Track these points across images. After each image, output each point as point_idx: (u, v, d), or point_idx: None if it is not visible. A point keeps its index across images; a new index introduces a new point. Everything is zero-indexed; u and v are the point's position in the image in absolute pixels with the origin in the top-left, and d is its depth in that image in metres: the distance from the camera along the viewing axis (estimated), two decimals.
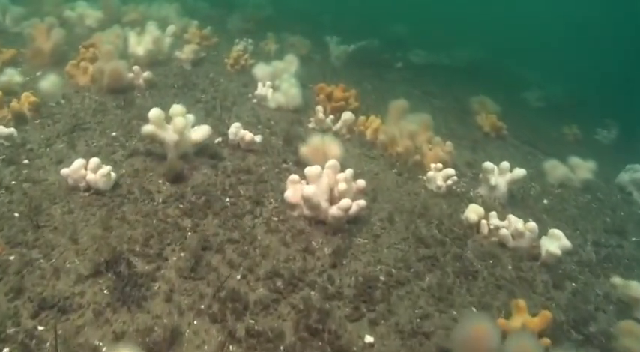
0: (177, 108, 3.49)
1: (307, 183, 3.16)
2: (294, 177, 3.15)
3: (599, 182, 5.75)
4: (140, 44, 5.70)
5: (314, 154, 3.65)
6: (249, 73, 6.03)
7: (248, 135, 3.77)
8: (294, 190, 3.13)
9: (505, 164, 4.38)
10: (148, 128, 3.32)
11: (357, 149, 4.53)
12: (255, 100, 5.09)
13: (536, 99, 9.17)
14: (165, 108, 4.45)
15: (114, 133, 3.84)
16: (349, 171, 3.20)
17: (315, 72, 7.24)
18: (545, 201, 4.81)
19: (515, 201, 4.53)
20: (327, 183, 3.13)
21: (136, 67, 4.88)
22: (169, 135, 3.40)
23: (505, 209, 4.32)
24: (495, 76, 10.95)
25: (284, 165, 3.79)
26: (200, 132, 3.53)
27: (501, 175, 4.40)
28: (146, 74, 4.89)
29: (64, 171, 2.97)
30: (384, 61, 9.04)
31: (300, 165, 3.78)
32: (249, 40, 7.53)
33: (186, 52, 5.92)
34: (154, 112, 3.34)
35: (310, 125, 4.73)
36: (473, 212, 3.71)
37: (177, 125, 3.36)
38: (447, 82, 8.91)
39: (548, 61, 13.84)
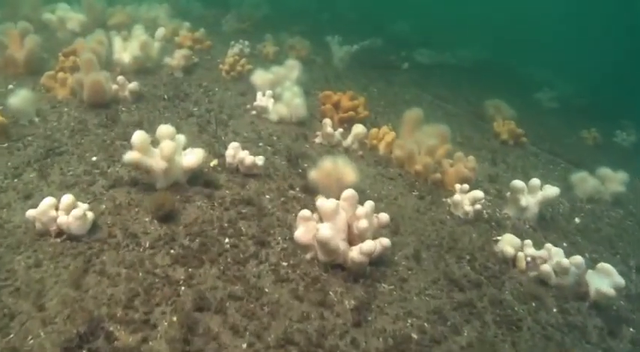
0: (164, 130, 2.99)
1: (321, 220, 2.69)
2: (305, 213, 2.67)
3: (629, 193, 5.32)
4: (126, 50, 5.19)
5: (325, 180, 3.16)
6: (246, 80, 5.52)
7: (248, 158, 3.28)
8: (306, 229, 2.65)
9: (535, 182, 3.93)
10: (131, 155, 2.82)
11: (372, 168, 4.05)
12: (254, 112, 4.60)
13: (549, 100, 8.72)
14: (154, 124, 3.96)
15: (94, 158, 3.33)
16: (370, 205, 2.73)
17: (317, 76, 6.75)
18: (576, 220, 4.37)
19: (546, 221, 4.08)
20: (345, 220, 2.66)
21: (120, 78, 4.37)
22: (157, 162, 2.90)
23: (537, 232, 3.88)
24: (504, 76, 10.52)
25: (291, 193, 3.31)
26: (193, 158, 3.03)
27: (532, 194, 3.95)
28: (132, 85, 4.38)
29: (30, 213, 2.47)
30: (390, 62, 8.55)
31: (309, 191, 3.31)
32: (246, 42, 7.01)
33: (177, 58, 5.40)
34: (138, 137, 2.84)
35: (317, 140, 4.24)
36: (508, 244, 3.25)
37: (166, 151, 2.86)
38: (456, 84, 8.45)
39: (554, 59, 13.41)
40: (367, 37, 9.83)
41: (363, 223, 2.63)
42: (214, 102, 4.80)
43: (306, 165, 3.73)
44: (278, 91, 4.86)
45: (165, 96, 4.69)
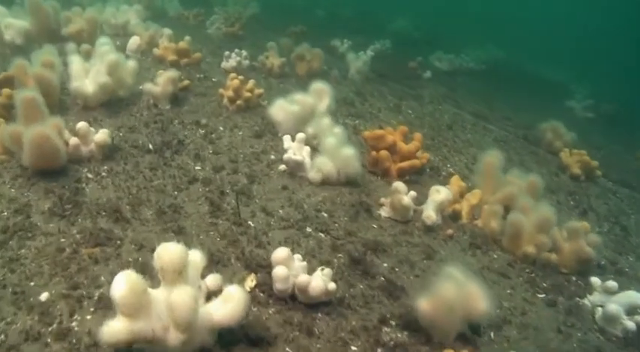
0: (170, 258, 1.61)
1: None
2: None
3: None
4: (89, 74, 3.68)
5: (445, 316, 1.93)
6: (258, 111, 4.17)
7: (315, 282, 1.97)
8: None
9: None
10: (115, 332, 1.47)
11: (470, 256, 2.82)
12: (283, 167, 3.25)
13: (584, 109, 7.81)
14: (139, 205, 2.57)
15: (44, 295, 1.92)
16: None
17: (336, 95, 5.41)
18: None
19: None
20: None
21: (82, 125, 2.91)
22: (164, 330, 1.56)
23: None
24: (527, 81, 9.63)
25: (386, 333, 2.02)
26: (229, 311, 1.69)
27: None
28: (100, 136, 2.93)
29: None
30: (409, 71, 7.34)
31: (412, 328, 2.05)
32: (243, 52, 5.59)
33: (161, 84, 3.94)
34: (123, 286, 1.49)
35: (383, 213, 2.96)
36: None
37: (182, 314, 1.52)
38: (486, 96, 7.42)
39: (569, 57, 12.67)
40: (370, 37, 8.69)
41: None
42: (222, 151, 3.40)
43: (385, 264, 2.47)
44: (309, 132, 3.55)
45: (151, 146, 3.25)
